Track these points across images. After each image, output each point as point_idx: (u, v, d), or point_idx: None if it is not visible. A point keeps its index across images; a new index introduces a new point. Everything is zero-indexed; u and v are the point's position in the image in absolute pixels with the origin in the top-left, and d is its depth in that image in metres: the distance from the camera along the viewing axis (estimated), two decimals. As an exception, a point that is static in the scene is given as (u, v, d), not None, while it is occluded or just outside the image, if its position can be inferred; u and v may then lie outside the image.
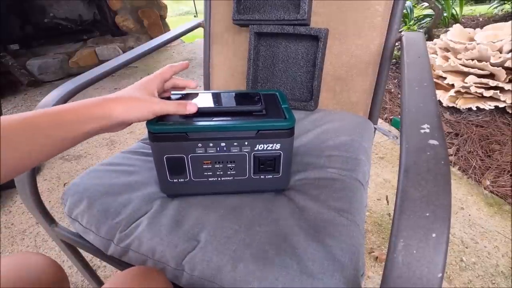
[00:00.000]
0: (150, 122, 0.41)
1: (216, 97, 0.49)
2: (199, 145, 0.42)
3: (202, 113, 0.43)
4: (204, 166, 0.45)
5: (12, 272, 0.40)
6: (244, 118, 0.43)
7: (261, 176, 0.46)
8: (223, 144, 0.42)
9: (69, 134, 0.33)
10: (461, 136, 1.33)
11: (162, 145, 0.43)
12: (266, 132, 0.42)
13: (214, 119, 0.42)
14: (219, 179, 0.46)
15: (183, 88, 0.50)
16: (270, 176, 0.46)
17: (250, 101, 0.46)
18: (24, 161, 0.31)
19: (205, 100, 0.47)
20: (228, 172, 0.46)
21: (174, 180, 0.46)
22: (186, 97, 0.48)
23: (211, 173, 0.46)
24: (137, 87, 0.40)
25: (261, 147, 0.43)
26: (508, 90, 1.34)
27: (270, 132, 0.42)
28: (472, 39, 1.52)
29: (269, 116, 0.43)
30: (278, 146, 0.43)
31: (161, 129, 0.41)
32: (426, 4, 2.68)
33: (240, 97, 0.48)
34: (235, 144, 0.43)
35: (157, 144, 0.43)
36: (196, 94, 0.49)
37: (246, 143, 0.43)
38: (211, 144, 0.42)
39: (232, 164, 0.45)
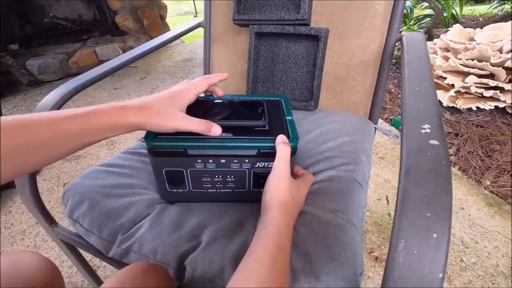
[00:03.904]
0: (149, 137, 0.40)
1: (218, 107, 0.47)
2: (199, 161, 0.42)
3: None
4: (203, 179, 0.44)
5: (4, 271, 0.40)
6: (245, 135, 0.41)
7: (261, 190, 0.45)
8: (223, 160, 0.42)
9: (91, 140, 0.34)
10: (461, 136, 1.33)
11: (161, 159, 0.42)
12: (268, 152, 0.41)
13: None
14: (218, 190, 0.46)
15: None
16: None
17: (253, 114, 0.45)
18: (42, 163, 0.32)
19: (206, 110, 0.45)
20: (227, 185, 0.45)
21: (173, 190, 0.46)
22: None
23: (210, 185, 0.45)
24: (167, 96, 0.39)
25: (261, 164, 0.42)
26: (508, 90, 1.34)
27: (272, 152, 0.40)
28: (472, 39, 1.52)
29: (272, 134, 0.42)
30: None
31: (160, 146, 0.40)
32: (426, 4, 2.68)
33: (243, 109, 0.47)
34: (235, 161, 0.42)
35: (155, 159, 0.42)
36: (198, 102, 0.47)
37: (246, 160, 0.42)
38: (210, 161, 0.42)
39: (231, 178, 0.44)
